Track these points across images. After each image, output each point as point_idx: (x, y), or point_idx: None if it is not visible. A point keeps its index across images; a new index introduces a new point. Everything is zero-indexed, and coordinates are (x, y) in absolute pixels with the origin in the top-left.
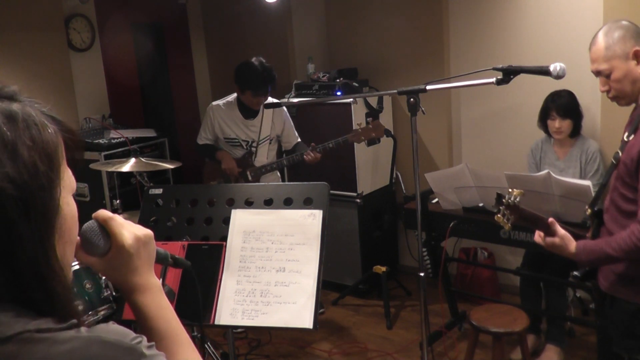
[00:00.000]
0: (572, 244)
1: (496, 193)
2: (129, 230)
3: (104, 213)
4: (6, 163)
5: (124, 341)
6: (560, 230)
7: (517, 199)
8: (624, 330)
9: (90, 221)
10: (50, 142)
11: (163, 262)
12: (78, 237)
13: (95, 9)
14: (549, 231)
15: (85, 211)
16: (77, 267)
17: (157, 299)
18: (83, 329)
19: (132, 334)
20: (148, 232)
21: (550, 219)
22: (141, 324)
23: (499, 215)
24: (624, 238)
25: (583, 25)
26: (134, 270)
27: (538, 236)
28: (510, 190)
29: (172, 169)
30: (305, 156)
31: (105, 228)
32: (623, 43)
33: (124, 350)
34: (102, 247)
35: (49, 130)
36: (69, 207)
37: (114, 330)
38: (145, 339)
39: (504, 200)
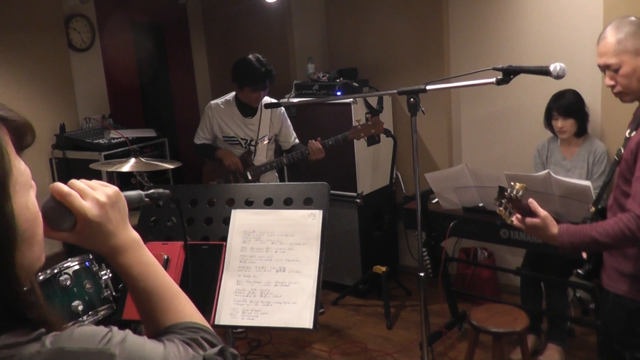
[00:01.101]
0: (555, 226)
1: (498, 186)
2: (91, 198)
3: (60, 188)
4: None
5: (89, 347)
6: (542, 212)
7: (520, 193)
8: (625, 328)
9: (48, 199)
10: None
11: (139, 204)
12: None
13: (95, 9)
14: (530, 214)
15: None
16: (77, 267)
17: (138, 255)
18: (48, 341)
19: (100, 334)
20: (112, 190)
21: (530, 199)
22: (128, 285)
23: (500, 209)
24: (610, 224)
25: (583, 25)
26: (107, 235)
27: (516, 219)
28: (512, 183)
29: (172, 169)
30: (309, 145)
31: (65, 206)
32: (634, 39)
33: (92, 357)
34: (68, 224)
35: None
36: (28, 210)
37: (79, 337)
38: (115, 333)
39: (505, 193)
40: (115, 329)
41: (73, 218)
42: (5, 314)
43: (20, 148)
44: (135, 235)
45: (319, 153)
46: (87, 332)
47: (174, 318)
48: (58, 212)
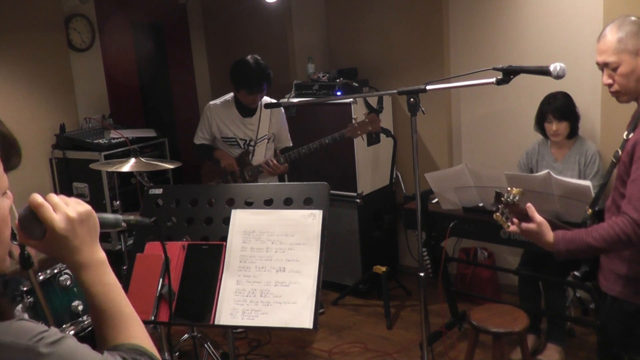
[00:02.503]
0: (550, 233)
1: (495, 192)
2: (62, 212)
3: (35, 199)
4: None
5: (19, 342)
6: (538, 217)
7: (517, 198)
8: (623, 330)
9: (24, 207)
10: None
11: (114, 228)
12: (17, 222)
13: (95, 9)
14: (527, 218)
15: None
16: None
17: (99, 274)
18: None
19: (34, 331)
20: (84, 209)
21: (528, 204)
22: (87, 299)
23: (497, 214)
24: (605, 228)
25: (583, 25)
26: (72, 249)
27: (512, 224)
28: (509, 189)
29: (172, 169)
30: (263, 166)
31: (37, 216)
32: (635, 39)
33: (19, 352)
34: (37, 233)
35: None
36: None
37: (13, 331)
38: (52, 334)
39: (502, 199)
40: (54, 330)
41: (43, 228)
42: None
43: (6, 168)
44: (101, 255)
45: (276, 170)
46: (23, 327)
47: (122, 338)
48: (30, 221)
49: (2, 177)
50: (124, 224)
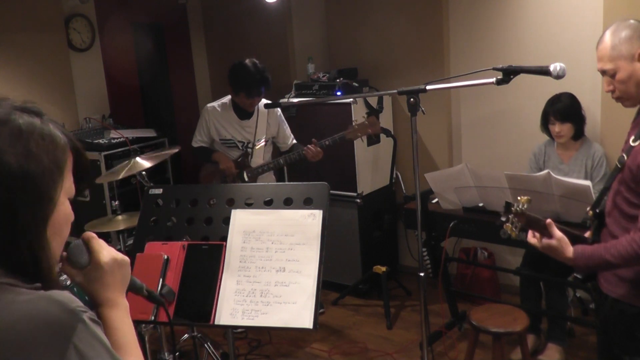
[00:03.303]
0: (570, 248)
1: (505, 202)
2: (108, 250)
3: (89, 233)
4: (21, 157)
5: (69, 305)
6: (558, 233)
7: (525, 206)
8: (624, 332)
9: (76, 240)
10: (58, 148)
11: (137, 292)
12: (64, 253)
13: (95, 9)
14: (546, 232)
15: (85, 211)
16: None
17: (121, 315)
18: (43, 291)
19: (81, 304)
20: (125, 258)
21: (548, 220)
22: (106, 333)
23: (508, 224)
24: (623, 245)
25: (583, 25)
26: (107, 285)
27: (532, 237)
28: (518, 198)
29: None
30: (305, 151)
31: (88, 246)
32: (629, 43)
33: (66, 311)
34: (84, 261)
35: (60, 142)
36: (63, 206)
37: (66, 295)
38: (92, 313)
39: (512, 208)
40: (93, 313)
41: (89, 258)
42: (32, 266)
43: (76, 192)
44: (126, 302)
45: (317, 156)
46: (73, 297)
47: None
48: (80, 248)
49: (72, 185)
50: (145, 292)
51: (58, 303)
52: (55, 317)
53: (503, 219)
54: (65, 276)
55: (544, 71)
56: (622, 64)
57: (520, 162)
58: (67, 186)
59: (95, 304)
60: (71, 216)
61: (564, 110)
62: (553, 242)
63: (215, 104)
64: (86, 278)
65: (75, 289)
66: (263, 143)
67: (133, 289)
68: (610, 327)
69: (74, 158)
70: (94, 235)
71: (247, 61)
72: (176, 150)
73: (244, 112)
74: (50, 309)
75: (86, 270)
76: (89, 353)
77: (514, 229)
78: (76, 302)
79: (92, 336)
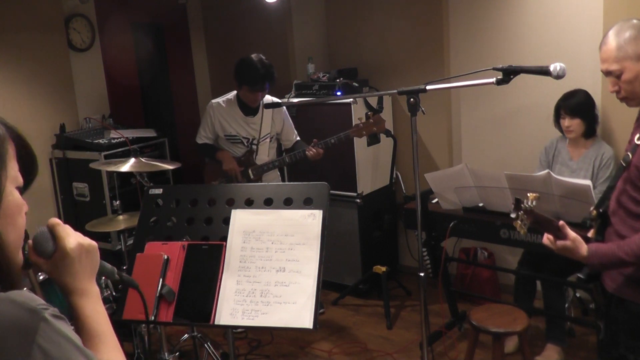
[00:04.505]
0: (584, 247)
1: (515, 198)
2: (74, 237)
3: (54, 219)
4: None
5: (29, 304)
6: (571, 233)
7: (534, 203)
8: (630, 331)
9: (41, 228)
10: None
11: (109, 277)
12: (30, 241)
13: (95, 9)
14: (559, 234)
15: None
16: None
17: (92, 302)
18: (1, 293)
19: (41, 302)
20: (93, 243)
21: (561, 222)
22: (76, 323)
23: (518, 222)
24: (637, 243)
25: (583, 25)
26: (75, 273)
27: (547, 239)
28: (528, 194)
29: (172, 170)
30: (307, 152)
31: (53, 233)
32: (635, 43)
33: (27, 311)
34: (49, 249)
35: None
36: (12, 196)
37: (25, 295)
38: (54, 310)
39: (522, 205)
40: (55, 309)
41: (54, 246)
42: None
43: (25, 181)
44: (96, 289)
45: (318, 156)
46: (33, 296)
47: (100, 357)
48: (45, 237)
49: (17, 174)
50: (117, 276)
51: (17, 304)
52: (16, 318)
53: (513, 215)
54: (43, 275)
55: (544, 71)
56: (628, 65)
57: (520, 162)
58: (13, 175)
59: (65, 292)
60: (24, 205)
61: (575, 106)
62: (568, 243)
63: (220, 99)
64: (53, 267)
65: (54, 285)
66: (268, 140)
67: (104, 274)
68: (616, 326)
69: (16, 147)
70: (59, 221)
71: (253, 56)
72: (177, 166)
73: (249, 108)
74: (10, 310)
75: (53, 259)
76: (53, 351)
77: (522, 226)
78: (37, 301)
79: (56, 333)
